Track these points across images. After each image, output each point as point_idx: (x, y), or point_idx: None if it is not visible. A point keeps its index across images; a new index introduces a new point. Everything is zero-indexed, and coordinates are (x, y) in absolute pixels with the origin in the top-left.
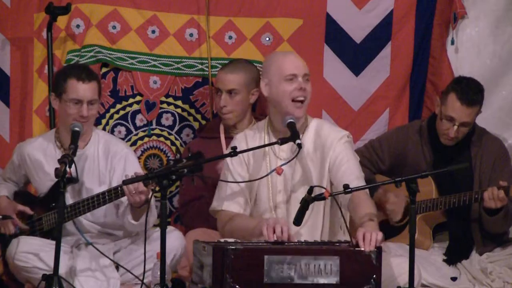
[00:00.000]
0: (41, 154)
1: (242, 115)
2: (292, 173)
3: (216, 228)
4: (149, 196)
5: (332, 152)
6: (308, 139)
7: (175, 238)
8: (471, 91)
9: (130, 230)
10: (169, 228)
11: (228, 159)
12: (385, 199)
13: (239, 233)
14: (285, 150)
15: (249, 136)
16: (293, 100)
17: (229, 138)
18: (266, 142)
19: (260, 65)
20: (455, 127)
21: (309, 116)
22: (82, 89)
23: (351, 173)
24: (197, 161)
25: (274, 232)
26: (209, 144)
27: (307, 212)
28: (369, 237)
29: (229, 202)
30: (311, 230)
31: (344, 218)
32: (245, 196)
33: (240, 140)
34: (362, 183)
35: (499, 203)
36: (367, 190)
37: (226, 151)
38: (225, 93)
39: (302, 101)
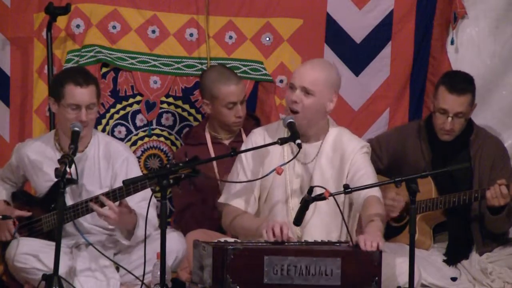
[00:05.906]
0: (40, 155)
1: None
2: (311, 175)
3: (212, 229)
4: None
5: (352, 159)
6: (328, 144)
7: (176, 240)
8: (459, 80)
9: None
10: (170, 230)
11: (243, 154)
12: (385, 195)
13: (243, 232)
14: (303, 150)
15: (268, 132)
16: None
17: (216, 144)
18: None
19: (260, 65)
20: (450, 118)
21: (331, 122)
22: (80, 94)
23: (367, 179)
24: (196, 162)
25: (274, 233)
26: (196, 151)
27: (324, 213)
28: (370, 245)
29: (237, 198)
30: (328, 231)
31: (344, 219)
32: (254, 194)
33: (258, 135)
34: (377, 193)
35: (503, 201)
36: (380, 195)
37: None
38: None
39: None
